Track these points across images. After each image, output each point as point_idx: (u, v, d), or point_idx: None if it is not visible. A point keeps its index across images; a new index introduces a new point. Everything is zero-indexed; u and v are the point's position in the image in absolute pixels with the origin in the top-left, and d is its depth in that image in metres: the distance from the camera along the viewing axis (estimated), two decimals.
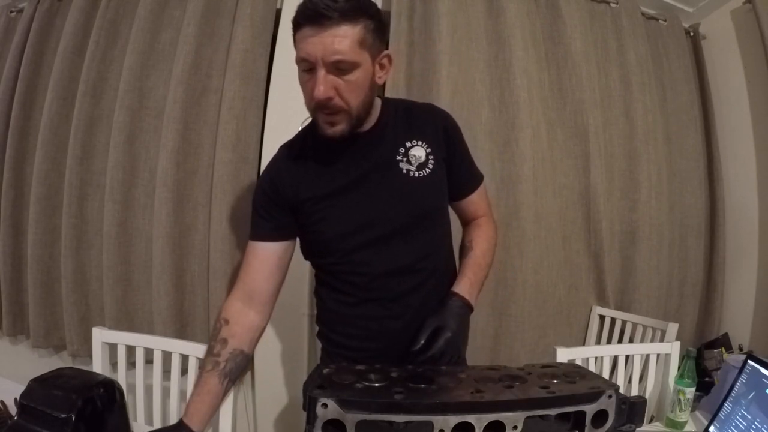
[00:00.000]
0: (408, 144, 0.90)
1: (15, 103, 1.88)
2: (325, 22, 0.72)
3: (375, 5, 0.81)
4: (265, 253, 0.93)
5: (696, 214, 1.98)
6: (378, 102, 0.91)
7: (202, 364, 0.91)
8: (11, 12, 2.04)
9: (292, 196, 0.90)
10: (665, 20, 2.03)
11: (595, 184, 1.77)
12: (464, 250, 0.99)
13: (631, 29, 1.90)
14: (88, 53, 1.76)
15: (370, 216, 0.88)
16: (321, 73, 0.75)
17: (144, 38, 1.71)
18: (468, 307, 0.88)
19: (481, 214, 1.03)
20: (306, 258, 0.99)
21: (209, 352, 0.90)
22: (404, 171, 0.88)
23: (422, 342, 0.79)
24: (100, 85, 1.78)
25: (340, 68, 0.76)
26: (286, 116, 1.66)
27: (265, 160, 1.66)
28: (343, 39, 0.73)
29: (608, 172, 1.84)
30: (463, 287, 0.90)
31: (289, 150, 0.95)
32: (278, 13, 1.73)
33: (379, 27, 0.80)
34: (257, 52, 1.67)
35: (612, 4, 1.91)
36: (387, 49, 0.86)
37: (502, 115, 1.71)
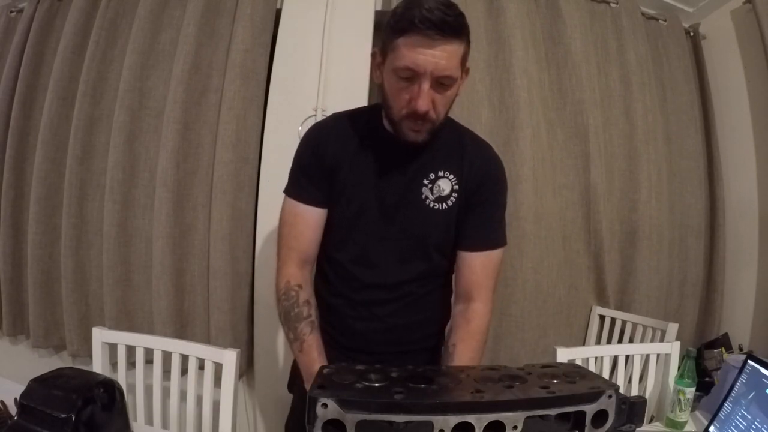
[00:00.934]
0: (440, 173, 0.89)
1: (15, 103, 1.88)
2: (438, 37, 0.72)
3: (467, 23, 0.80)
4: (315, 219, 0.92)
5: (696, 214, 1.98)
6: None
7: (298, 329, 0.88)
8: (11, 12, 2.04)
9: (333, 168, 0.90)
10: (665, 20, 2.03)
11: (595, 184, 1.77)
12: (446, 355, 0.91)
13: (631, 29, 1.90)
14: (88, 53, 1.76)
15: (377, 226, 0.90)
16: (426, 86, 0.75)
17: (144, 38, 1.71)
18: None
19: (476, 291, 0.92)
20: None
21: (300, 317, 0.89)
22: (423, 197, 0.89)
23: None
24: (100, 85, 1.78)
25: (442, 83, 0.76)
26: (286, 116, 1.66)
27: (265, 160, 1.67)
28: (452, 56, 0.74)
29: (608, 172, 1.84)
30: None
31: (342, 123, 0.93)
32: (278, 13, 1.73)
33: (469, 47, 0.81)
34: (257, 52, 1.67)
35: (612, 4, 1.91)
36: None
37: (502, 115, 1.71)
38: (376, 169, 0.89)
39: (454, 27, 0.73)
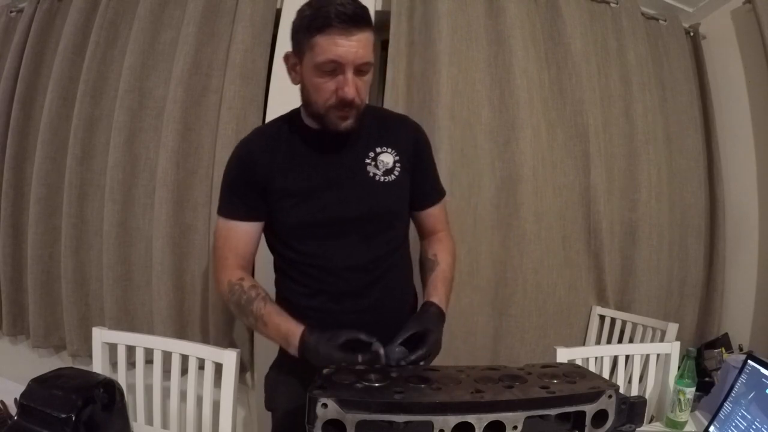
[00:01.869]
0: (378, 149, 0.94)
1: (15, 103, 1.88)
2: (354, 28, 0.78)
3: None
4: (248, 232, 0.95)
5: (696, 214, 1.98)
6: None
7: (253, 310, 0.89)
8: (11, 12, 2.04)
9: (264, 182, 0.92)
10: (665, 20, 2.03)
11: (595, 184, 1.77)
12: (428, 263, 1.01)
13: (631, 29, 1.90)
14: (88, 53, 1.76)
15: (334, 212, 0.91)
16: (350, 75, 0.81)
17: (144, 38, 1.71)
18: (443, 316, 0.92)
19: (440, 228, 1.06)
20: (269, 244, 1.00)
21: (250, 300, 0.90)
22: (371, 174, 0.93)
23: (422, 351, 0.79)
24: (100, 85, 1.78)
25: (361, 70, 0.82)
26: None
27: None
28: (367, 43, 0.81)
29: (608, 172, 1.84)
30: (437, 297, 0.93)
31: (264, 135, 0.97)
32: (278, 13, 1.73)
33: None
34: (257, 52, 1.67)
35: (612, 4, 1.91)
36: None
37: (502, 115, 1.71)
38: (313, 164, 0.92)
39: (365, 18, 0.80)
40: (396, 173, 0.94)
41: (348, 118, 0.85)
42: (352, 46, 0.78)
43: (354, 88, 0.81)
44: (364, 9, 0.81)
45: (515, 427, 0.58)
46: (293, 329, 0.84)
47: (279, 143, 0.94)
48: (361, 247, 0.93)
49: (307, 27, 0.80)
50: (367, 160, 0.93)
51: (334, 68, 0.80)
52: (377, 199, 0.93)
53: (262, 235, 0.98)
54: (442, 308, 0.92)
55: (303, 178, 0.92)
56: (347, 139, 0.92)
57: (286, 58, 0.88)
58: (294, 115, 0.96)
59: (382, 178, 0.93)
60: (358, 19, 0.78)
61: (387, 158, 0.94)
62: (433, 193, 1.05)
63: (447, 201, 1.09)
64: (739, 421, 0.98)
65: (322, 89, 0.83)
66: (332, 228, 0.92)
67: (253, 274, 0.98)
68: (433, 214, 1.05)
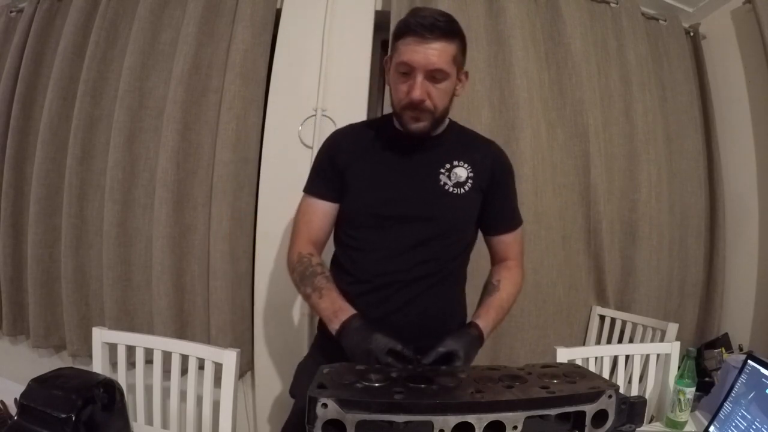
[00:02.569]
0: (455, 162, 0.98)
1: (15, 103, 1.88)
2: (429, 36, 0.85)
3: (462, 30, 0.93)
4: (323, 209, 1.01)
5: (696, 214, 1.98)
6: (446, 121, 1.02)
7: (314, 282, 0.93)
8: (11, 12, 2.04)
9: (344, 166, 0.99)
10: (665, 20, 2.03)
11: (595, 184, 1.77)
12: (490, 287, 1.02)
13: (631, 29, 1.90)
14: (88, 53, 1.76)
15: (396, 207, 0.95)
16: (419, 78, 0.87)
17: (144, 38, 1.71)
18: (481, 341, 0.92)
19: (511, 257, 1.07)
20: (334, 234, 1.05)
21: (315, 273, 0.94)
22: (441, 182, 0.97)
23: (433, 358, 0.81)
24: (100, 85, 1.78)
25: (435, 77, 0.88)
26: (286, 116, 1.66)
27: (265, 160, 1.67)
28: (443, 53, 0.86)
29: (608, 172, 1.84)
30: (483, 321, 0.94)
31: (353, 128, 1.06)
32: (278, 13, 1.73)
33: (464, 48, 0.94)
34: (257, 52, 1.67)
35: (612, 4, 1.91)
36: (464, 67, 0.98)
37: (502, 115, 1.71)
38: (389, 161, 0.98)
39: (443, 29, 0.86)
40: (467, 188, 0.97)
41: (420, 120, 0.91)
42: (425, 52, 0.85)
43: (421, 91, 0.87)
44: (449, 23, 0.88)
45: (515, 427, 0.58)
46: (346, 308, 0.88)
47: (366, 137, 1.02)
48: (413, 248, 0.95)
49: (395, 33, 0.90)
50: (442, 170, 0.97)
51: (408, 71, 0.88)
52: (440, 206, 0.96)
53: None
54: (483, 332, 0.92)
55: (377, 170, 0.98)
56: (427, 146, 0.98)
57: (385, 61, 0.97)
58: (388, 117, 1.02)
59: (452, 189, 0.96)
60: (433, 28, 0.85)
61: (461, 172, 0.98)
62: (507, 220, 1.06)
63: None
64: (739, 421, 0.98)
65: (398, 89, 0.91)
66: (391, 222, 0.95)
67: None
68: (505, 241, 1.06)
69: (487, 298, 0.99)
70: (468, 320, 0.97)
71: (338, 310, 0.88)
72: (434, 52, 0.86)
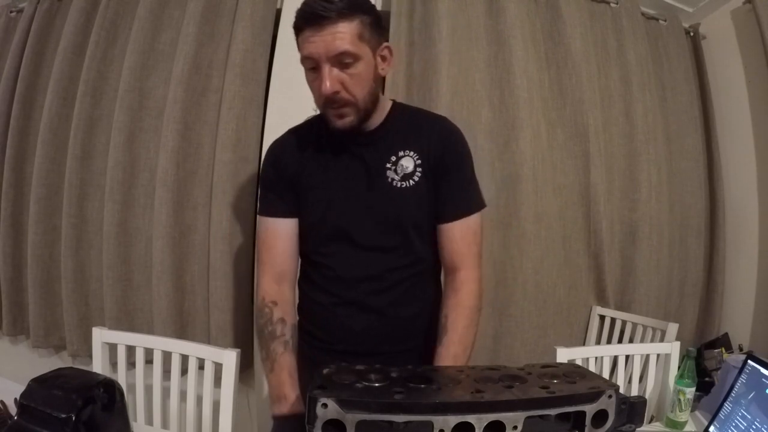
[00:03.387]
0: (400, 153, 0.90)
1: (15, 103, 1.88)
2: (324, 22, 0.77)
3: (369, 2, 0.84)
4: (286, 230, 0.94)
5: (696, 214, 1.98)
6: (388, 104, 0.95)
7: (270, 348, 0.89)
8: (11, 12, 2.04)
9: (294, 177, 0.93)
10: (665, 20, 2.03)
11: (595, 184, 1.77)
12: (440, 329, 0.88)
13: (631, 29, 1.90)
14: (88, 53, 1.76)
15: (350, 219, 0.90)
16: (326, 68, 0.79)
17: (144, 38, 1.71)
18: None
19: (459, 261, 0.90)
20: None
21: (273, 335, 0.89)
22: (389, 180, 0.90)
23: None
24: (100, 85, 1.78)
25: (343, 62, 0.79)
26: (286, 116, 1.65)
27: None
28: (342, 35, 0.78)
29: (608, 172, 1.84)
30: None
31: (295, 135, 0.98)
32: (278, 13, 1.73)
33: (375, 21, 0.83)
34: (257, 52, 1.67)
35: (612, 4, 1.91)
36: (387, 41, 0.89)
37: (502, 115, 1.71)
38: (336, 165, 0.92)
39: (336, 10, 0.77)
40: (415, 179, 0.89)
41: (344, 116, 0.83)
42: (322, 38, 0.77)
43: (332, 82, 0.79)
44: (336, 1, 0.77)
45: (515, 427, 0.58)
46: (288, 397, 0.85)
47: (308, 142, 0.95)
48: (375, 256, 0.90)
49: (294, 31, 0.83)
50: (388, 165, 0.90)
51: (314, 65, 0.81)
52: (392, 206, 0.89)
53: None
54: None
55: (326, 179, 0.92)
56: (370, 141, 0.91)
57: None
58: (321, 116, 0.94)
59: (399, 184, 0.89)
60: (324, 11, 0.76)
61: (407, 162, 0.90)
62: (453, 204, 0.90)
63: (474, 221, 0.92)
64: (739, 421, 0.98)
65: (313, 88, 0.84)
66: (347, 234, 0.90)
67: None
68: (450, 235, 0.91)
69: (438, 348, 0.87)
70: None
71: (281, 397, 0.85)
72: (332, 37, 0.77)
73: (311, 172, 0.92)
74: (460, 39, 1.68)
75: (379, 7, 1.75)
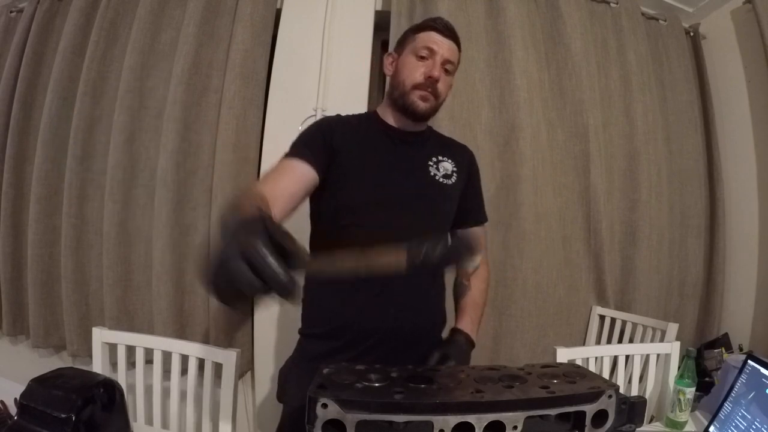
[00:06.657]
0: (441, 157, 1.03)
1: (15, 103, 1.88)
2: (448, 35, 0.98)
3: None
4: (302, 172, 0.91)
5: (696, 214, 1.98)
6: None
7: (255, 190, 0.79)
8: (11, 12, 2.04)
9: (338, 146, 0.96)
10: (665, 20, 2.03)
11: (595, 184, 1.77)
12: (461, 287, 1.06)
13: (631, 29, 1.90)
14: (88, 53, 1.76)
15: (392, 192, 0.96)
16: (439, 61, 0.97)
17: (144, 38, 1.71)
18: (471, 344, 0.97)
19: None
20: (313, 219, 1.00)
21: (257, 192, 0.76)
22: (431, 173, 1.01)
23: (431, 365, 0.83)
24: (100, 85, 1.78)
25: (446, 68, 0.99)
26: (286, 116, 1.66)
27: (266, 160, 1.67)
28: (455, 51, 1.00)
29: (608, 172, 1.84)
30: (465, 325, 1.00)
31: (348, 118, 1.06)
32: (278, 13, 1.73)
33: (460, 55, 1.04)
34: (257, 52, 1.67)
35: (612, 4, 1.91)
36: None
37: (502, 115, 1.71)
38: (382, 156, 0.99)
39: (455, 35, 1.00)
40: (454, 179, 1.03)
41: (426, 99, 0.96)
42: (445, 44, 0.97)
43: (441, 71, 0.96)
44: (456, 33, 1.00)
45: (515, 427, 0.58)
46: (253, 198, 0.70)
47: (355, 127, 1.03)
48: (405, 234, 0.90)
49: (414, 29, 1.01)
50: (430, 163, 1.01)
51: (428, 55, 0.97)
52: (433, 195, 1.00)
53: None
54: (470, 335, 0.97)
55: (371, 156, 0.99)
56: (412, 142, 1.02)
57: (387, 56, 1.05)
58: (372, 113, 1.06)
59: (442, 180, 1.01)
60: (452, 31, 0.99)
61: (447, 165, 1.04)
62: (477, 213, 1.11)
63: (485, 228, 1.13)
64: (739, 421, 0.98)
65: (413, 69, 0.97)
66: (385, 207, 0.95)
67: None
68: (473, 235, 1.07)
69: (461, 300, 1.04)
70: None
71: (245, 198, 0.69)
72: (452, 47, 0.98)
73: (358, 154, 0.98)
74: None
75: (379, 7, 1.76)
